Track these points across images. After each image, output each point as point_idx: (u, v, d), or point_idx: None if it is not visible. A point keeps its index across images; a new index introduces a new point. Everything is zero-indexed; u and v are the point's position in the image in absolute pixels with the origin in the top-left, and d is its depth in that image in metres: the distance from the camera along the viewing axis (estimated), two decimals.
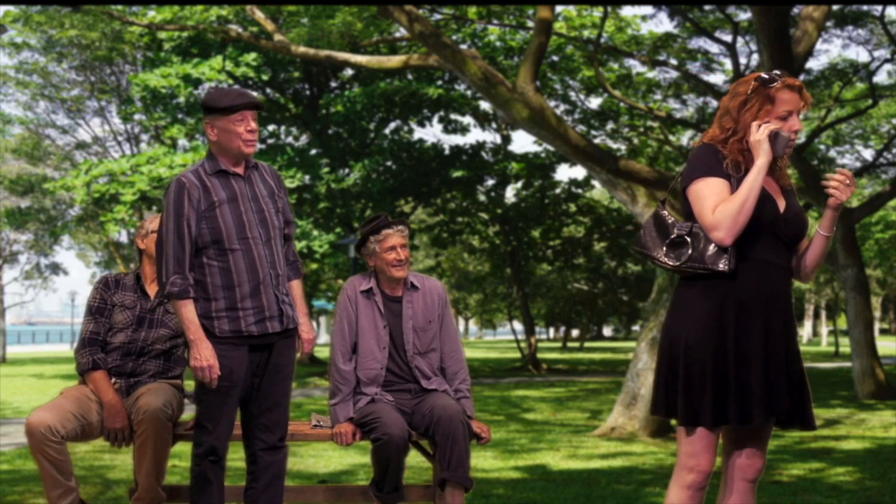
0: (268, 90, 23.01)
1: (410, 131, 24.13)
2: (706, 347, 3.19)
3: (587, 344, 49.98)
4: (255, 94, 3.92)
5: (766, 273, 3.23)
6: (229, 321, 3.74)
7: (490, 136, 42.67)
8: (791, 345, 3.26)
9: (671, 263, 3.26)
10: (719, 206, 3.18)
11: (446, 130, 23.12)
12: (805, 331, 57.04)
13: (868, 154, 24.14)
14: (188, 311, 3.69)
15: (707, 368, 3.18)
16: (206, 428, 3.79)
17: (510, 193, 27.64)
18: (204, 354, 3.66)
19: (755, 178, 3.18)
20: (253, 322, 3.76)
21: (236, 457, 4.28)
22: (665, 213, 3.34)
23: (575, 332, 53.87)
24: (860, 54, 68.25)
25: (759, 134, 3.20)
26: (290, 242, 4.03)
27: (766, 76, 3.24)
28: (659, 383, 3.30)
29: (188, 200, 3.72)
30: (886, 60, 18.67)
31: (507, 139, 25.69)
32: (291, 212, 4.05)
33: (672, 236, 3.27)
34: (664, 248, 3.29)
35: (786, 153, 3.25)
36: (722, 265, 3.18)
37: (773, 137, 3.21)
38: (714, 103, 18.82)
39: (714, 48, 18.72)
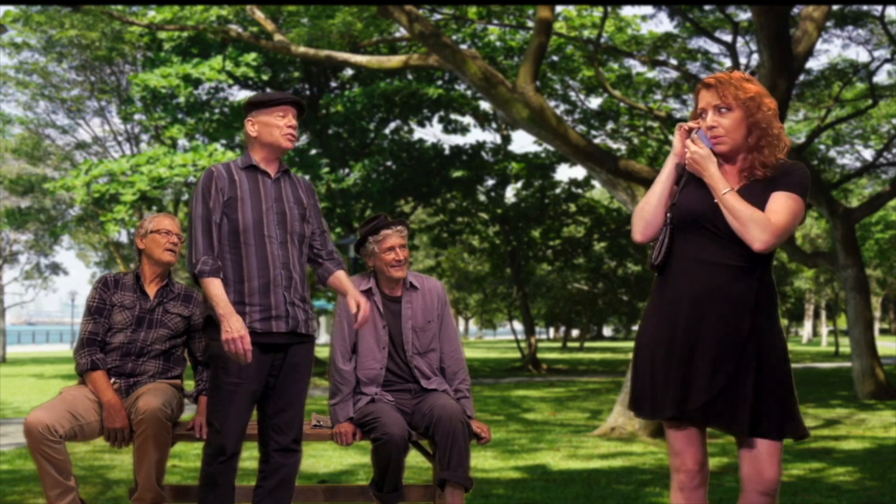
0: (268, 90, 23.00)
1: (410, 131, 24.11)
2: (646, 340, 3.22)
3: (587, 344, 50.00)
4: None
5: (697, 270, 3.13)
6: None
7: (490, 136, 42.77)
8: (729, 344, 3.08)
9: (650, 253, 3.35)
10: None
11: (446, 130, 23.10)
12: (805, 331, 57.11)
13: (868, 154, 24.16)
14: (217, 289, 3.73)
15: (652, 361, 3.18)
16: (213, 426, 3.82)
17: (510, 193, 27.67)
18: (234, 326, 3.65)
19: (657, 178, 3.25)
20: (258, 319, 3.79)
21: (253, 457, 4.27)
22: None
23: (575, 332, 53.89)
24: (860, 54, 68.32)
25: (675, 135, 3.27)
26: (327, 242, 4.06)
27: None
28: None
29: (215, 189, 3.81)
30: (886, 60, 18.66)
31: (507, 139, 25.68)
32: (322, 221, 4.07)
33: None
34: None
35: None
36: (653, 260, 3.24)
37: (691, 135, 3.21)
38: None
39: (714, 48, 18.73)
